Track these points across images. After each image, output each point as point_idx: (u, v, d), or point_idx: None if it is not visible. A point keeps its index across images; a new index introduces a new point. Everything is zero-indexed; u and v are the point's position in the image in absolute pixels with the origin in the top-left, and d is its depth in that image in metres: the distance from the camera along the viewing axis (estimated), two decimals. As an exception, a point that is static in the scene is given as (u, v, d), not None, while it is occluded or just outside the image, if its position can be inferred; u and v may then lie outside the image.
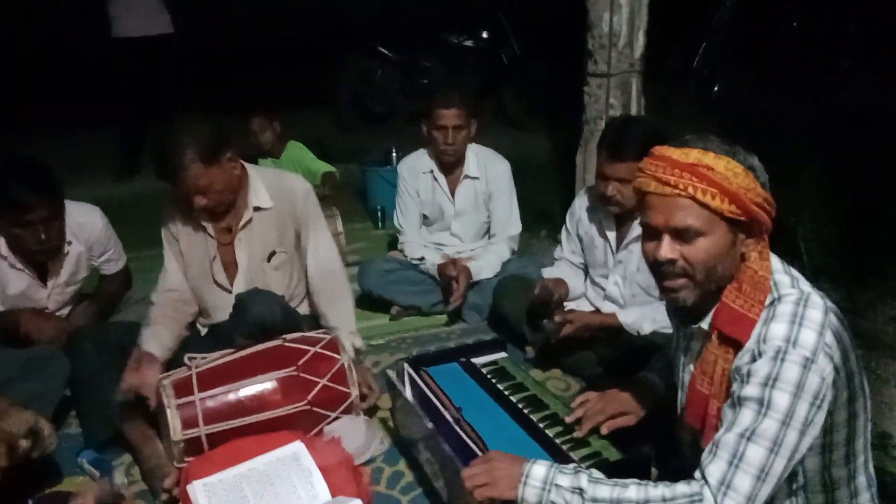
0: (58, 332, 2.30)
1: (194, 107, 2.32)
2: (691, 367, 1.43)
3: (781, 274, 1.31)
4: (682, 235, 1.27)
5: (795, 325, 1.22)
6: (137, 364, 2.05)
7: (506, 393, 2.02)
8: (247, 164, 2.30)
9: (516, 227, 3.15)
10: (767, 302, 1.27)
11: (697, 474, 1.26)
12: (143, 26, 4.64)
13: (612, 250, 2.44)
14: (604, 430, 1.69)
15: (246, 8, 7.60)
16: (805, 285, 1.30)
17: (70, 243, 2.40)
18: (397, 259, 3.15)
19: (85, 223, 2.45)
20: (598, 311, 2.50)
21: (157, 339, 2.15)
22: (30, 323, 2.29)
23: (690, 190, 1.24)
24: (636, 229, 2.35)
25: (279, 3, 7.49)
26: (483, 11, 6.07)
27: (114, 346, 2.16)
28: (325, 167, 4.07)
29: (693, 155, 1.26)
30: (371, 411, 2.24)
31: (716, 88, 5.87)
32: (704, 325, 1.37)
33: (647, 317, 2.30)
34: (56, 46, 6.79)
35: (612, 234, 2.44)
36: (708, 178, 1.23)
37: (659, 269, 1.33)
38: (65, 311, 2.50)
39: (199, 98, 4.80)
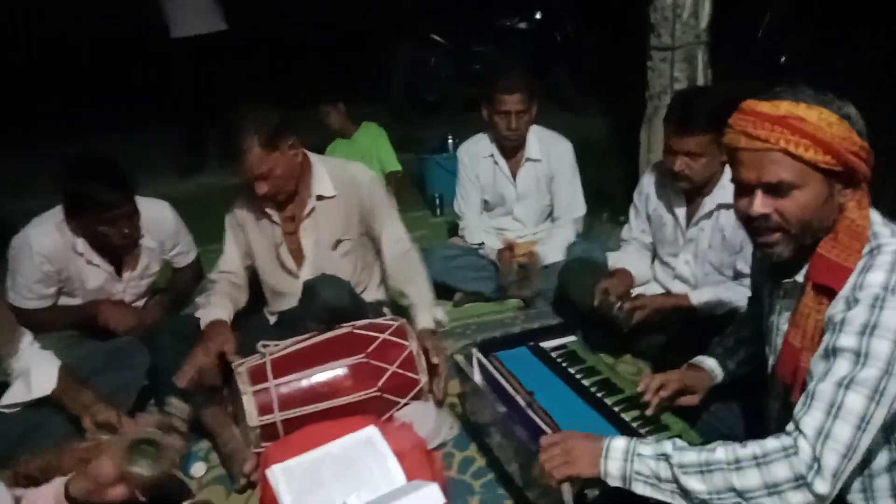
0: (136, 322, 2.38)
1: (254, 101, 2.34)
2: (785, 326, 1.38)
3: (881, 225, 1.27)
4: (776, 190, 1.24)
5: (894, 273, 1.18)
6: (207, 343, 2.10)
7: (577, 377, 1.99)
8: (310, 154, 2.33)
9: (581, 208, 3.09)
10: (865, 251, 1.23)
11: (790, 427, 1.20)
12: (197, 25, 4.76)
13: (682, 228, 2.36)
14: (664, 393, 1.66)
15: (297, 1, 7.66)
16: None
17: (142, 237, 2.47)
18: (460, 245, 3.13)
19: (156, 218, 2.51)
20: (668, 292, 2.44)
21: (223, 309, 2.23)
22: (109, 313, 2.37)
23: (782, 143, 1.21)
24: (706, 205, 2.27)
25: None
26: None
27: (189, 337, 2.20)
28: (393, 164, 4.05)
29: (784, 107, 1.22)
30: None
31: (783, 59, 5.62)
32: (800, 278, 1.33)
33: (720, 296, 2.22)
34: (119, 46, 6.98)
35: (681, 211, 2.35)
36: (800, 129, 1.20)
37: (752, 224, 1.31)
38: (140, 304, 2.57)
39: (256, 92, 4.88)
